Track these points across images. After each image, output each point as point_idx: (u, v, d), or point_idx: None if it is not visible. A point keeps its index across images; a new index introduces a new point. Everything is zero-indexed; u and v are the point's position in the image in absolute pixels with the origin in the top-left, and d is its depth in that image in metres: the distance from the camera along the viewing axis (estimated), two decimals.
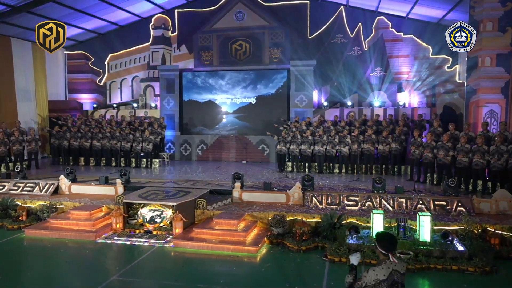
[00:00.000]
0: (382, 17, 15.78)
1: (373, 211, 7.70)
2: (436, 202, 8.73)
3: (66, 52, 19.44)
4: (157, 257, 7.32)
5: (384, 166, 12.67)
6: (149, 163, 14.61)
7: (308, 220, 8.46)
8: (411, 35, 15.49)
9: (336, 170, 13.10)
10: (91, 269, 6.76)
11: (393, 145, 12.33)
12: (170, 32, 18.26)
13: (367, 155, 12.66)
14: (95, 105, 18.75)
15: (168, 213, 8.83)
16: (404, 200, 8.90)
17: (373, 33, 15.98)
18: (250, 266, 6.96)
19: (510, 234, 7.42)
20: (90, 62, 19.28)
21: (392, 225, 7.80)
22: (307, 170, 13.27)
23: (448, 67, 15.08)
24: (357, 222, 8.22)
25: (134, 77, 18.89)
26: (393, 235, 3.53)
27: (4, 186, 11.11)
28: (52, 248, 7.83)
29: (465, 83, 11.78)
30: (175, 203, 8.60)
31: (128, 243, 8.05)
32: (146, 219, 8.88)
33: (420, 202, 8.79)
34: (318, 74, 16.28)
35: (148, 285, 6.09)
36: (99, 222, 8.89)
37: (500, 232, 7.52)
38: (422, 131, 12.44)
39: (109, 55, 18.95)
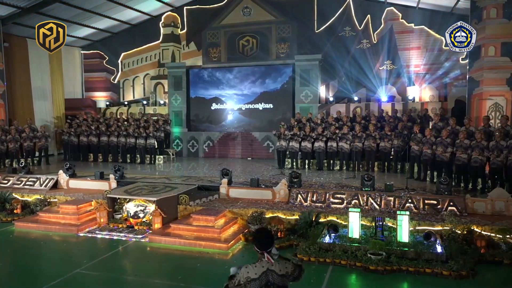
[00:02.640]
0: (392, 8, 15.15)
1: (350, 209, 7.36)
2: (426, 201, 8.24)
3: (82, 51, 20.04)
4: (128, 252, 7.36)
5: (386, 163, 12.15)
6: (153, 159, 14.78)
7: (288, 217, 8.24)
8: (423, 26, 14.76)
9: (337, 167, 12.71)
10: (59, 262, 6.89)
11: (396, 141, 11.79)
12: (179, 29, 18.40)
13: (368, 151, 12.19)
14: (107, 103, 19.23)
15: (151, 208, 8.84)
16: (392, 199, 8.47)
17: (382, 25, 15.37)
18: (216, 263, 6.84)
19: (499, 236, 6.87)
20: (104, 61, 19.80)
21: (373, 224, 7.44)
22: (307, 167, 12.96)
23: (462, 59, 14.23)
24: (338, 221, 7.91)
25: (145, 75, 19.21)
26: (268, 233, 3.26)
27: (9, 180, 11.58)
28: (34, 240, 8.04)
29: (467, 74, 11.04)
30: (155, 199, 8.61)
31: (107, 237, 8.14)
32: (130, 214, 8.96)
33: (409, 200, 8.33)
34: (325, 68, 15.88)
35: (105, 279, 6.11)
36: (84, 216, 9.05)
37: (488, 233, 6.99)
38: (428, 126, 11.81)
39: (122, 54, 19.36)
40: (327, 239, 7.10)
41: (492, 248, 6.72)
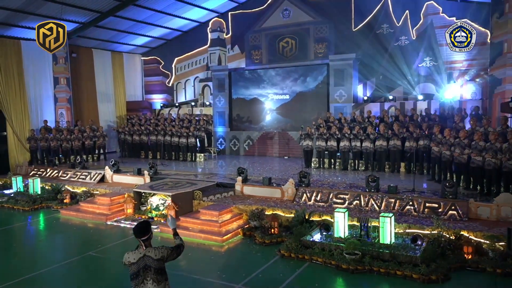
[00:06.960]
0: (432, 1, 14.45)
1: (336, 209, 7.59)
2: (427, 204, 8.13)
3: (142, 58, 22.02)
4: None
5: (412, 164, 11.82)
6: (193, 157, 15.91)
7: (286, 215, 8.66)
8: (466, 19, 13.83)
9: (362, 168, 12.65)
10: (79, 244, 8.12)
11: (421, 141, 11.44)
12: (224, 34, 19.38)
13: (393, 151, 11.98)
14: (161, 105, 20.93)
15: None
16: (393, 200, 8.47)
17: (421, 20, 14.74)
18: (205, 254, 7.55)
19: (488, 242, 6.63)
20: (160, 66, 21.53)
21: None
22: (332, 166, 13.09)
23: None
24: (332, 220, 8.12)
25: (195, 78, 20.55)
26: (143, 224, 3.83)
27: (67, 174, 13.51)
28: (70, 226, 9.48)
29: (488, 71, 10.29)
30: (171, 193, 9.56)
31: (128, 226, 9.29)
32: (153, 206, 10.07)
33: (410, 203, 8.27)
34: (363, 67, 15.69)
35: (106, 261, 7.16)
36: (115, 207, 10.33)
37: (478, 239, 6.78)
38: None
39: (175, 59, 20.90)
40: (316, 237, 7.42)
41: (479, 255, 6.53)
